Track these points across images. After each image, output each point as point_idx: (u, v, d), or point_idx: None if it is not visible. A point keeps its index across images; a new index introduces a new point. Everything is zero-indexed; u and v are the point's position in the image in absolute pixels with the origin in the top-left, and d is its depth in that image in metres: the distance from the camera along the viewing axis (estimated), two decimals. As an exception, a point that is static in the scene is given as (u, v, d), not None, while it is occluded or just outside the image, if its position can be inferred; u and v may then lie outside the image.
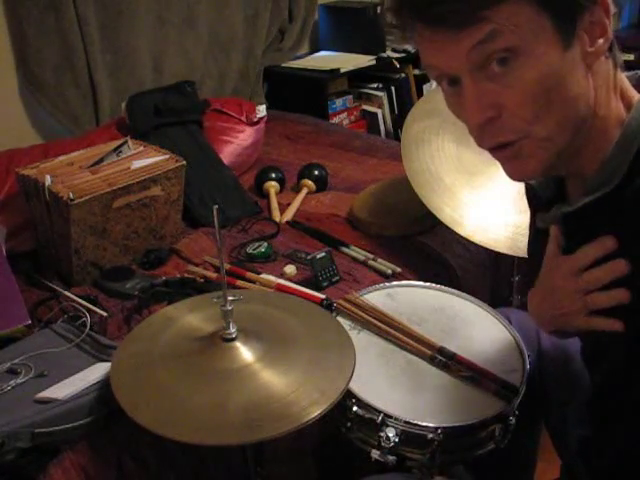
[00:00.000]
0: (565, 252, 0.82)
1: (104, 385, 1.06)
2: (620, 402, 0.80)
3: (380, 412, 0.99)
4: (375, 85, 2.96)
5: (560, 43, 0.65)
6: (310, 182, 1.98)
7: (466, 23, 0.64)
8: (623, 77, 0.74)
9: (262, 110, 2.20)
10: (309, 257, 1.48)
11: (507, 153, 0.72)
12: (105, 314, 1.35)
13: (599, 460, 0.85)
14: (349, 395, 1.02)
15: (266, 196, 1.96)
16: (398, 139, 2.68)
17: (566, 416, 1.07)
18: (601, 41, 0.67)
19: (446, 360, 1.11)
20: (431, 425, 0.97)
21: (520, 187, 1.50)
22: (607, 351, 0.81)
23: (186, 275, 1.51)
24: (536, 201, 0.85)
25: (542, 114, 0.68)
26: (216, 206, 0.91)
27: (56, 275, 1.55)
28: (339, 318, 1.20)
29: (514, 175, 0.75)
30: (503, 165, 0.75)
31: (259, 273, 1.50)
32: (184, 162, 1.61)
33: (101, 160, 1.60)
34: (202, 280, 1.48)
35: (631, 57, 3.37)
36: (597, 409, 0.88)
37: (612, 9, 0.66)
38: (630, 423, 0.78)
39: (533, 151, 0.71)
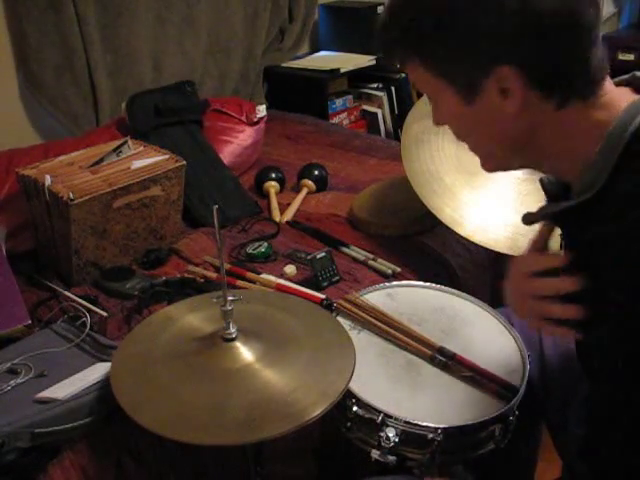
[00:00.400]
0: (567, 247, 0.83)
1: (104, 385, 1.06)
2: (615, 402, 0.80)
3: (380, 412, 0.99)
4: (375, 85, 2.96)
5: (461, 100, 0.77)
6: (310, 182, 1.98)
7: (401, 69, 0.79)
8: (608, 88, 0.75)
9: (262, 110, 2.20)
10: (309, 257, 1.48)
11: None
12: (105, 314, 1.35)
13: (597, 460, 0.85)
14: (349, 395, 1.02)
15: (266, 196, 1.96)
16: (398, 139, 2.68)
17: (567, 416, 1.07)
18: (512, 100, 0.74)
19: (446, 360, 1.11)
20: (431, 425, 0.97)
21: (520, 187, 1.51)
22: (598, 352, 0.81)
23: (186, 275, 1.51)
24: (545, 195, 0.87)
25: (466, 142, 0.83)
26: (216, 206, 0.91)
27: (56, 275, 1.55)
28: (339, 318, 1.20)
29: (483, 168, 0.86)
30: None
31: (259, 273, 1.50)
32: (184, 162, 1.61)
33: (101, 160, 1.60)
34: (202, 280, 1.48)
35: (631, 57, 3.38)
36: (593, 408, 0.88)
37: (510, 75, 0.72)
38: (625, 423, 0.78)
39: (478, 155, 0.84)
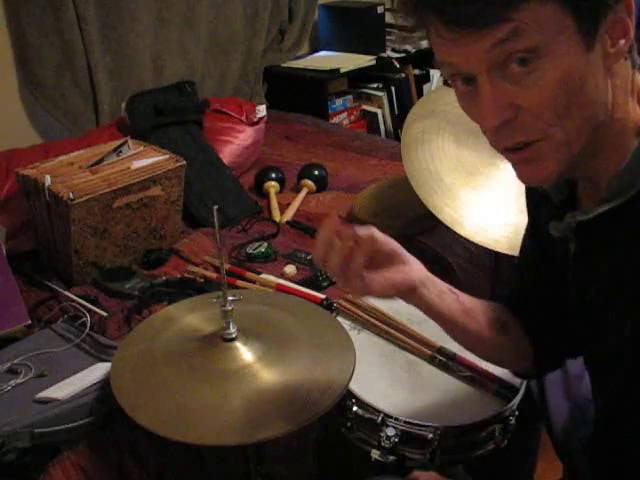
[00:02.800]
0: (576, 261, 0.80)
1: (104, 385, 1.06)
2: (623, 404, 0.80)
3: (380, 412, 0.99)
4: (375, 85, 2.96)
5: (582, 44, 0.63)
6: (310, 182, 1.98)
7: (489, 22, 0.62)
8: None
9: (262, 110, 2.20)
10: (309, 257, 1.48)
11: (523, 155, 0.69)
12: (105, 314, 1.35)
13: (603, 459, 0.85)
14: (349, 395, 1.02)
15: (266, 196, 1.96)
16: (398, 139, 2.68)
17: (568, 417, 1.07)
18: (622, 42, 0.65)
19: (446, 360, 1.11)
20: (431, 425, 0.97)
21: (520, 187, 1.51)
22: (613, 360, 0.80)
23: (186, 275, 1.51)
24: (547, 203, 0.82)
25: (561, 116, 0.65)
26: (216, 206, 0.91)
27: (56, 275, 1.55)
28: (339, 318, 1.20)
29: (528, 179, 0.72)
30: (517, 168, 0.71)
31: (259, 273, 1.50)
32: (184, 162, 1.61)
33: (101, 160, 1.60)
34: (202, 280, 1.48)
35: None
36: (600, 410, 0.88)
37: (631, 8, 0.64)
38: (633, 423, 0.78)
39: (550, 154, 0.68)
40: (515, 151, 0.69)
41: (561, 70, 0.63)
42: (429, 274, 0.88)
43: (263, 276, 1.48)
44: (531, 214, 0.93)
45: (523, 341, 0.93)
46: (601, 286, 0.77)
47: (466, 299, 0.90)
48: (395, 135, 2.91)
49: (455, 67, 0.68)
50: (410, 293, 0.84)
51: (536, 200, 0.88)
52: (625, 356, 0.75)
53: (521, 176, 0.72)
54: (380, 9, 2.92)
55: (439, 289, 0.87)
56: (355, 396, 1.02)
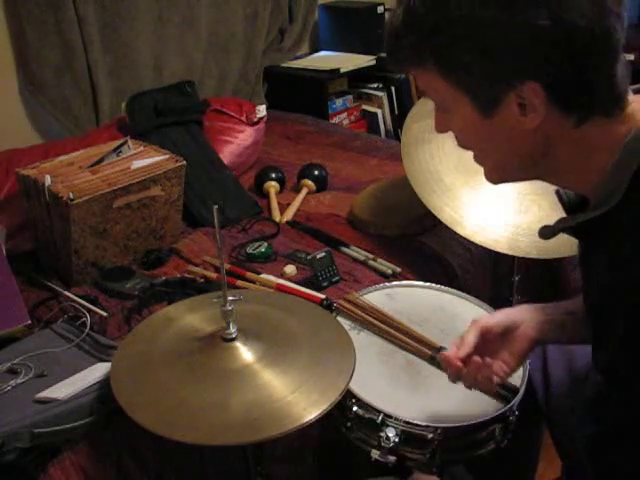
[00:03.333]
0: (580, 263, 0.84)
1: (104, 385, 1.06)
2: (624, 405, 0.80)
3: (380, 412, 0.99)
4: (375, 85, 2.96)
5: (478, 113, 0.74)
6: (310, 182, 1.98)
7: (406, 71, 0.79)
8: (629, 100, 0.74)
9: (262, 110, 2.20)
10: (309, 257, 1.48)
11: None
12: (105, 314, 1.35)
13: (605, 458, 0.85)
14: (349, 395, 1.02)
15: (266, 196, 1.96)
16: (398, 139, 2.68)
17: (571, 416, 1.07)
18: (533, 115, 0.71)
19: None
20: (431, 425, 0.97)
21: (520, 187, 1.51)
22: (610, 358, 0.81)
23: (186, 275, 1.51)
24: (562, 207, 0.87)
25: (475, 152, 0.81)
26: (216, 206, 0.91)
27: (56, 275, 1.55)
28: (339, 318, 1.20)
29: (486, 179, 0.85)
30: None
31: (259, 273, 1.50)
32: (184, 162, 1.61)
33: (101, 160, 1.60)
34: (202, 280, 1.48)
35: (631, 57, 3.38)
36: (602, 409, 0.88)
37: (536, 91, 0.70)
38: (635, 423, 0.78)
39: (487, 170, 0.83)
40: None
41: (462, 126, 0.78)
42: (540, 315, 0.98)
43: (263, 276, 1.48)
44: None
45: None
46: (597, 286, 0.80)
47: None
48: (395, 135, 2.91)
49: None
50: (537, 346, 0.97)
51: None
52: (622, 358, 0.76)
53: None
54: (380, 9, 2.92)
55: (557, 323, 0.97)
56: (355, 396, 1.02)
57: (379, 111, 2.92)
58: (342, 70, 2.75)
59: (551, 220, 1.53)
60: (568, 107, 0.72)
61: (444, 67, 0.74)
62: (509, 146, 0.76)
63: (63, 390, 1.06)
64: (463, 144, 0.82)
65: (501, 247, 1.40)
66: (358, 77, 2.92)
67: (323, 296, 1.36)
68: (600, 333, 0.81)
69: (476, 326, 0.98)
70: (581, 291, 0.87)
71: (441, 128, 0.83)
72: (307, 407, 0.88)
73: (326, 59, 2.89)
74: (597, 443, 0.86)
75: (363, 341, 1.18)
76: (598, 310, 0.80)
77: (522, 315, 0.98)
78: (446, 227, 1.47)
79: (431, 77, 0.75)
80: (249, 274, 1.49)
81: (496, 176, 0.83)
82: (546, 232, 0.82)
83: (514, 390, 1.05)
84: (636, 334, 0.71)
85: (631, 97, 0.74)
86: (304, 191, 1.96)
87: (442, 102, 0.78)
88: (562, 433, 1.12)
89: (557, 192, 0.86)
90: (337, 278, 1.49)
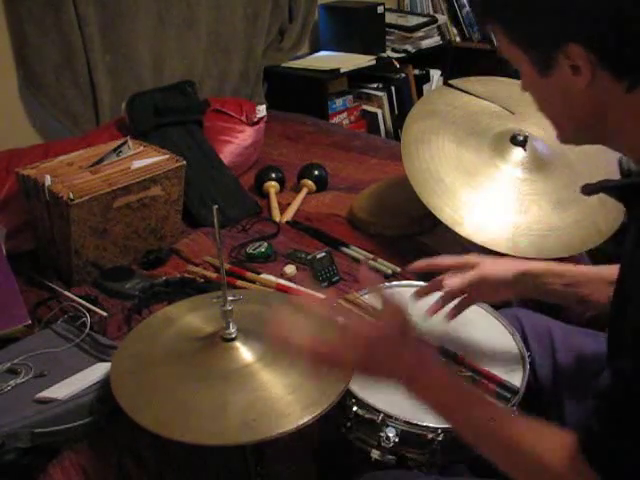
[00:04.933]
0: (628, 225, 0.84)
1: (104, 385, 1.06)
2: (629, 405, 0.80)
3: (380, 412, 0.99)
4: (375, 85, 2.96)
5: (535, 70, 0.78)
6: (310, 182, 1.98)
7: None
8: None
9: (262, 110, 2.20)
10: (309, 257, 1.48)
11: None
12: (105, 314, 1.35)
13: (612, 459, 0.84)
14: (349, 395, 1.02)
15: (266, 196, 1.96)
16: (398, 139, 2.68)
17: (579, 414, 1.06)
18: (580, 78, 0.73)
19: (446, 360, 1.11)
20: (431, 425, 0.97)
21: (520, 187, 1.51)
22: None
23: (186, 275, 1.51)
24: (620, 174, 0.88)
25: (543, 111, 0.83)
26: (216, 206, 0.91)
27: (56, 275, 1.55)
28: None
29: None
30: None
31: (259, 273, 1.50)
32: (184, 162, 1.61)
33: (101, 160, 1.60)
34: (202, 280, 1.48)
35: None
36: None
37: (580, 54, 0.72)
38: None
39: (554, 127, 0.84)
40: None
41: (525, 81, 0.82)
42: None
43: (263, 276, 1.48)
44: None
45: None
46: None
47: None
48: (395, 135, 2.91)
49: None
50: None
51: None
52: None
53: None
54: (380, 9, 2.92)
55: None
56: (355, 396, 1.02)
57: (379, 111, 2.92)
58: (342, 70, 2.75)
59: (551, 220, 1.54)
60: (618, 72, 0.73)
61: (505, 26, 0.79)
62: (563, 107, 0.79)
63: (63, 390, 1.06)
64: (535, 102, 0.84)
65: (501, 247, 1.40)
66: (358, 77, 2.92)
67: (323, 296, 1.36)
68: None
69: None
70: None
71: (522, 86, 0.85)
72: (306, 407, 0.88)
73: (326, 59, 2.89)
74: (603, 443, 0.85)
75: (363, 341, 1.17)
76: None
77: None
78: (446, 227, 1.47)
79: (499, 35, 0.80)
80: (249, 274, 1.49)
81: (564, 135, 0.85)
82: (588, 188, 0.83)
83: (514, 390, 1.05)
84: None
85: None
86: (304, 191, 1.96)
87: (512, 60, 0.82)
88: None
89: (619, 160, 0.88)
90: (337, 278, 1.49)
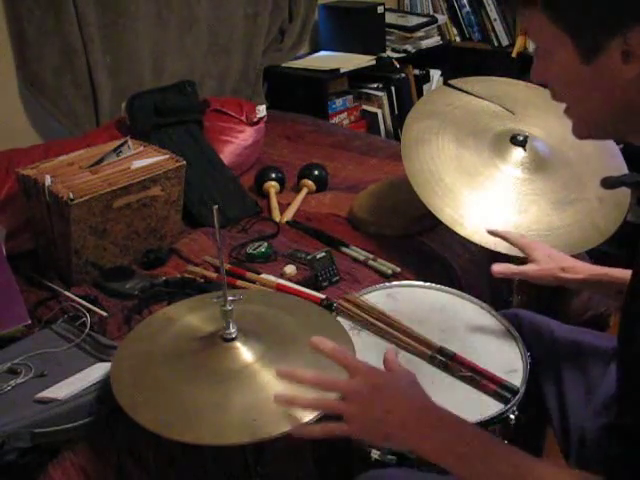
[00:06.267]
0: None
1: (104, 385, 1.06)
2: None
3: (380, 412, 0.99)
4: (375, 85, 2.96)
5: (579, 57, 0.74)
6: (310, 182, 1.98)
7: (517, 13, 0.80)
8: None
9: (262, 110, 2.20)
10: (309, 257, 1.48)
11: (565, 114, 0.83)
12: (105, 314, 1.35)
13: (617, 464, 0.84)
14: (349, 395, 1.01)
15: (266, 196, 1.96)
16: (398, 139, 2.68)
17: (587, 419, 1.06)
18: (636, 64, 0.71)
19: (446, 360, 1.11)
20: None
21: (520, 187, 1.51)
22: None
23: (186, 275, 1.51)
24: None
25: (574, 101, 0.80)
26: (216, 206, 0.91)
27: (56, 275, 1.55)
28: (339, 318, 1.20)
29: (572, 132, 0.85)
30: None
31: (259, 273, 1.50)
32: (184, 162, 1.61)
33: (101, 160, 1.60)
34: (202, 280, 1.48)
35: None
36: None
37: (633, 46, 0.70)
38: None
39: (576, 121, 0.82)
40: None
41: (559, 71, 0.78)
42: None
43: (263, 276, 1.48)
44: None
45: None
46: None
47: None
48: (395, 135, 2.91)
49: None
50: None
51: None
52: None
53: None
54: (380, 9, 2.92)
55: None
56: (355, 396, 1.02)
57: (379, 111, 2.92)
58: (342, 70, 2.75)
59: (551, 219, 1.53)
60: None
61: (553, 9, 0.74)
62: (603, 96, 0.76)
63: (63, 390, 1.06)
64: (557, 93, 0.81)
65: (501, 247, 1.40)
66: (358, 77, 2.91)
67: (323, 296, 1.36)
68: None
69: None
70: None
71: (538, 75, 0.82)
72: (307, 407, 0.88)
73: (326, 59, 2.89)
74: (609, 433, 0.85)
75: (363, 341, 1.18)
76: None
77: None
78: (446, 227, 1.47)
79: (539, 18, 0.76)
80: (249, 274, 1.49)
81: (585, 129, 0.83)
82: (609, 181, 0.83)
83: (514, 390, 1.05)
84: None
85: None
86: (304, 191, 1.96)
87: (544, 44, 0.78)
88: (572, 428, 1.10)
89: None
90: (337, 278, 1.49)
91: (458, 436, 0.77)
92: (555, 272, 1.11)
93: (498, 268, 1.14)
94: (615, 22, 0.71)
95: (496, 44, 3.05)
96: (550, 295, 1.66)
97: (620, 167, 1.54)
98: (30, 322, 1.27)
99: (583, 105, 0.79)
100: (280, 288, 1.42)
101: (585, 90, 0.77)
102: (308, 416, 0.87)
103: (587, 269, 1.10)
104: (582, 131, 0.83)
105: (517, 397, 1.04)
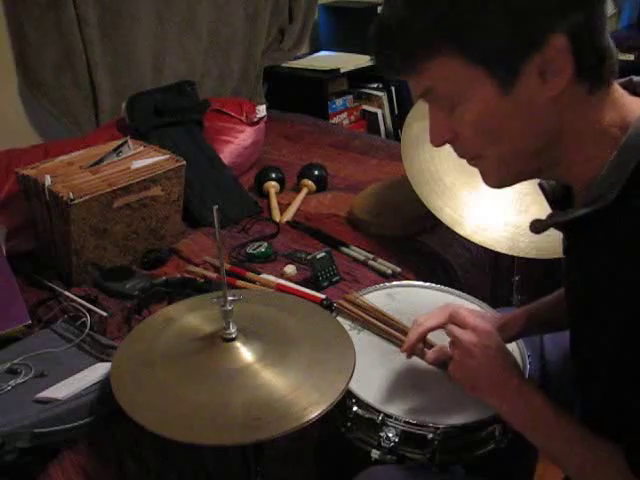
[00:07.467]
0: (566, 253, 0.83)
1: (104, 385, 1.06)
2: (603, 412, 0.81)
3: (380, 412, 0.99)
4: (375, 85, 2.96)
5: (498, 89, 0.70)
6: (310, 182, 1.98)
7: (405, 73, 0.78)
8: (617, 89, 0.73)
9: (262, 110, 2.20)
10: (309, 257, 1.48)
11: (474, 166, 0.81)
12: (105, 314, 1.35)
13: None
14: (349, 395, 1.02)
15: (266, 196, 1.96)
16: (398, 139, 2.68)
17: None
18: (556, 79, 0.68)
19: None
20: (431, 425, 0.97)
21: (520, 187, 1.51)
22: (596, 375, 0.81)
23: (186, 275, 1.51)
24: (546, 199, 0.86)
25: (491, 143, 0.74)
26: (216, 206, 0.91)
27: (56, 275, 1.55)
28: (339, 318, 1.20)
29: (485, 183, 0.82)
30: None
31: (259, 273, 1.50)
32: (184, 162, 1.61)
33: (101, 160, 1.60)
34: (202, 280, 1.48)
35: (631, 57, 3.38)
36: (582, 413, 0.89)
37: (563, 46, 0.66)
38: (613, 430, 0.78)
39: (490, 169, 0.79)
40: (470, 162, 0.80)
41: (478, 112, 0.72)
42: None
43: (263, 276, 1.48)
44: None
45: None
46: (579, 288, 0.79)
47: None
48: (395, 135, 2.91)
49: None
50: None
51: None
52: (602, 365, 0.75)
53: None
54: (380, 9, 2.92)
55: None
56: (355, 396, 1.02)
57: (379, 111, 2.92)
58: (342, 70, 2.75)
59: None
60: (584, 70, 0.68)
61: (464, 45, 0.68)
62: (524, 127, 0.72)
63: (63, 390, 1.06)
64: (469, 144, 0.76)
65: (501, 247, 1.40)
66: (358, 77, 2.92)
67: (323, 296, 1.36)
68: (583, 328, 0.80)
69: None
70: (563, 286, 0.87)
71: (445, 132, 0.76)
72: (307, 407, 0.88)
73: (326, 59, 2.89)
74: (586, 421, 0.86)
75: (363, 341, 1.17)
76: (582, 309, 0.79)
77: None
78: (446, 227, 1.47)
79: (442, 63, 0.70)
80: (249, 274, 1.49)
81: (499, 176, 0.79)
82: (538, 226, 0.81)
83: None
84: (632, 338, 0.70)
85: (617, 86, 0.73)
86: (304, 191, 1.96)
87: (454, 90, 0.72)
88: None
89: (540, 184, 0.86)
90: (337, 278, 1.49)
91: (527, 406, 0.88)
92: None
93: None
94: (536, 34, 0.67)
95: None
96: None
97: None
98: (30, 322, 1.27)
99: (502, 143, 0.74)
100: (280, 288, 1.42)
101: (505, 124, 0.72)
102: (310, 415, 0.87)
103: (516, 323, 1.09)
104: (495, 179, 0.80)
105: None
